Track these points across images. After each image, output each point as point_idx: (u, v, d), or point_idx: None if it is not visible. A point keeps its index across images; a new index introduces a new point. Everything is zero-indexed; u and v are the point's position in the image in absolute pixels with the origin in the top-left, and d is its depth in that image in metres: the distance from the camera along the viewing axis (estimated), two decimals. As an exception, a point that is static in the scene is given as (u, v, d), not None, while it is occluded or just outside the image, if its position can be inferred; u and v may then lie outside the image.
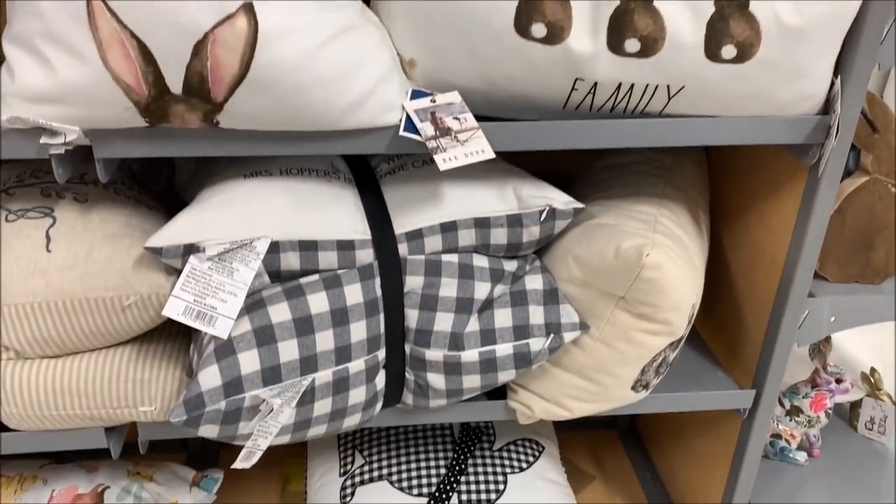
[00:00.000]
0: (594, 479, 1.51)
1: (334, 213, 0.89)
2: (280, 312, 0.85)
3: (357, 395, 0.91)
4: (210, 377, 0.81)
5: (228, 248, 0.83)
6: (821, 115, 0.89)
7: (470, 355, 0.93)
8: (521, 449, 1.27)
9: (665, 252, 0.88)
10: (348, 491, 1.21)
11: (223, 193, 0.87)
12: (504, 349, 0.93)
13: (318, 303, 0.86)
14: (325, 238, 0.87)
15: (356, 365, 0.89)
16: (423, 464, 1.22)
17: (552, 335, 0.94)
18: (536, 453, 1.28)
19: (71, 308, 0.87)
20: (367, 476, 1.22)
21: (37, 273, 0.87)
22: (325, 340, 0.86)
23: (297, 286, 0.87)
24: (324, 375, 0.87)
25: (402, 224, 0.91)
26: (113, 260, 0.88)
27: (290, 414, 0.86)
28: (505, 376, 0.95)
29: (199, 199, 0.88)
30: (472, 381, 0.94)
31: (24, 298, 0.87)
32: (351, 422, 0.94)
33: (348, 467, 1.25)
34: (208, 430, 0.83)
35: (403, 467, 1.22)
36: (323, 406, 0.89)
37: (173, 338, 0.97)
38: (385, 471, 1.22)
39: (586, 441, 1.62)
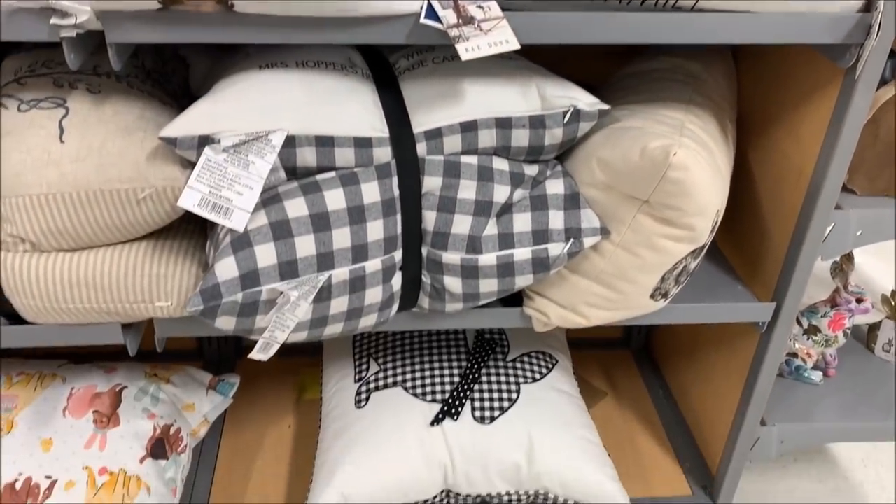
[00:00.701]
0: (606, 396, 1.52)
1: (352, 109, 0.87)
2: (296, 207, 0.83)
3: (373, 295, 0.90)
4: (227, 268, 0.80)
5: (244, 139, 0.81)
6: (862, 13, 0.85)
7: (487, 259, 0.91)
8: (534, 360, 1.28)
9: (692, 154, 0.86)
10: (363, 396, 1.22)
11: (238, 84, 0.85)
12: (522, 254, 0.92)
13: (335, 199, 0.85)
14: (342, 134, 0.85)
15: (373, 265, 0.88)
16: (436, 371, 1.23)
17: (572, 240, 0.92)
18: (549, 365, 1.28)
19: (85, 199, 0.86)
20: (381, 382, 1.23)
21: (50, 164, 0.85)
22: (341, 238, 0.85)
23: (314, 182, 0.85)
24: (340, 273, 0.86)
25: (421, 122, 0.89)
26: (127, 152, 0.86)
27: (306, 309, 0.86)
28: (522, 281, 0.94)
29: (214, 91, 0.85)
30: (488, 286, 0.94)
31: (39, 189, 0.86)
32: (367, 322, 0.93)
33: (363, 373, 1.26)
34: (225, 322, 0.82)
35: (417, 374, 1.22)
36: (339, 304, 0.88)
37: (189, 235, 0.96)
38: (399, 377, 1.23)
39: (599, 359, 1.63)
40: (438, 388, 1.20)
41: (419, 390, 1.20)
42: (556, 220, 0.93)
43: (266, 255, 0.82)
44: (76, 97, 0.89)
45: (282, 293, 0.82)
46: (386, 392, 1.21)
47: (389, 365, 1.25)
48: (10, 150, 0.86)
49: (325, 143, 0.85)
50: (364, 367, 1.27)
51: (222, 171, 0.81)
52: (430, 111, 0.89)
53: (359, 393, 1.23)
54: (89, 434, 1.10)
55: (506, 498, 1.17)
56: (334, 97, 0.86)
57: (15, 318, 0.95)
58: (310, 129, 0.84)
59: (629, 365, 1.63)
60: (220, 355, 1.55)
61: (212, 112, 0.82)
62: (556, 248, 0.92)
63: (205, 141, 0.82)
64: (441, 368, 1.23)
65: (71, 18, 0.75)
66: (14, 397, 1.12)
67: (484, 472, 1.14)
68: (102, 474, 1.06)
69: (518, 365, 1.26)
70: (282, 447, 1.37)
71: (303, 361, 1.55)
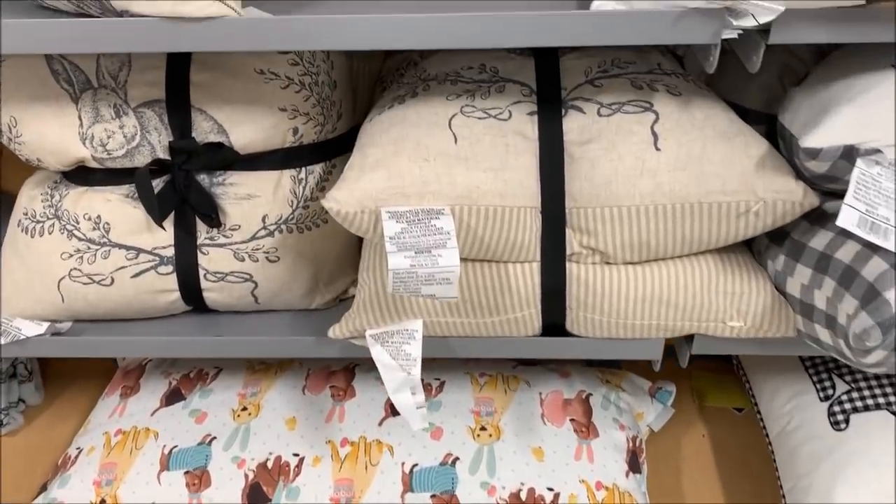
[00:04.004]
0: None
1: None
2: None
3: None
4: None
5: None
6: None
7: None
8: None
9: None
10: (840, 417, 1.11)
11: (877, 88, 0.75)
12: None
13: None
14: None
15: None
16: (926, 395, 1.11)
17: None
18: None
19: (680, 212, 0.80)
20: (859, 403, 1.12)
21: (645, 173, 0.80)
22: None
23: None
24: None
25: None
26: (731, 161, 0.79)
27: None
28: None
29: (847, 97, 0.76)
30: None
31: (630, 200, 0.80)
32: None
33: (829, 392, 1.15)
34: (875, 356, 0.74)
35: (903, 397, 1.11)
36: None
37: (740, 251, 0.89)
38: (881, 398, 1.11)
39: None
40: (935, 414, 1.08)
41: (912, 415, 1.08)
42: None
43: (932, 284, 0.72)
44: (660, 99, 0.83)
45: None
46: (869, 414, 1.10)
47: (863, 384, 1.14)
48: (599, 158, 0.81)
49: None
50: (827, 384, 1.16)
51: (877, 187, 0.72)
52: None
53: (833, 414, 1.12)
54: (576, 445, 1.06)
55: None
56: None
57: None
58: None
59: None
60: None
61: (858, 120, 0.73)
62: None
63: (849, 152, 0.73)
64: (930, 392, 1.11)
65: (746, 19, 0.68)
66: (490, 400, 1.11)
67: None
68: (599, 489, 1.02)
69: None
70: (703, 457, 1.30)
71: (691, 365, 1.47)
